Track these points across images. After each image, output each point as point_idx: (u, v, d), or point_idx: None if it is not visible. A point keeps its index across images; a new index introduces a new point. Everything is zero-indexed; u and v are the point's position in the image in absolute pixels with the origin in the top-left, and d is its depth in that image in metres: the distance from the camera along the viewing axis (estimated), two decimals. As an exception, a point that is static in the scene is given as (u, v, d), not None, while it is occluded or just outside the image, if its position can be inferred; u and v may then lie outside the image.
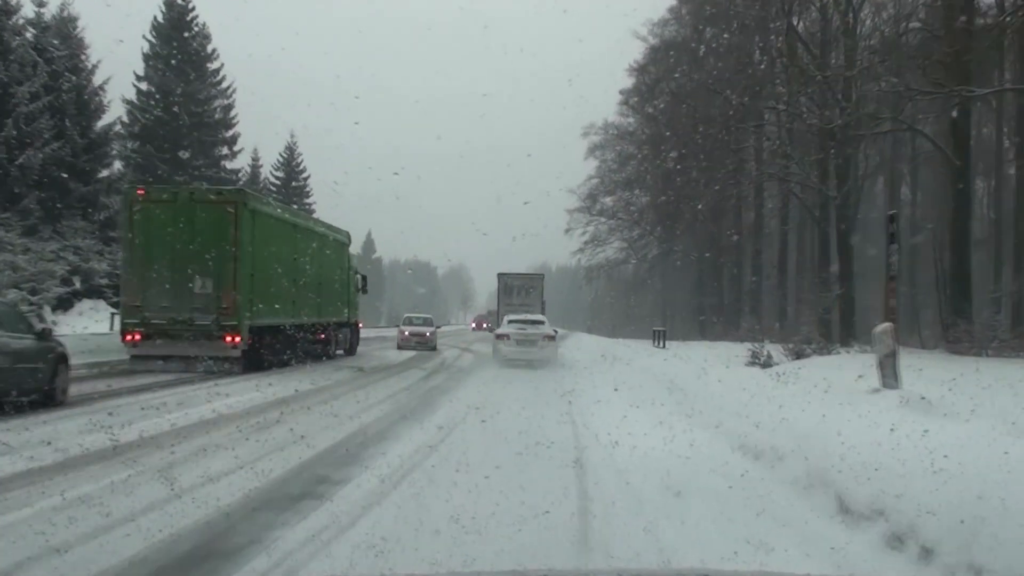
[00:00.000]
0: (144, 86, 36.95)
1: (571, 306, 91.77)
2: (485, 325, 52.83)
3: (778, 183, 33.30)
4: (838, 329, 29.64)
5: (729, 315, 42.56)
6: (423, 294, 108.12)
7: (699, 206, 39.51)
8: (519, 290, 34.34)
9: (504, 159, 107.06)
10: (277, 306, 16.63)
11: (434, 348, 28.69)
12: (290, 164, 52.85)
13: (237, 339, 14.75)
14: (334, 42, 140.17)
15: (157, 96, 36.71)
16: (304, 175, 53.09)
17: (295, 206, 55.25)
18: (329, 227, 22.47)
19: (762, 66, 33.00)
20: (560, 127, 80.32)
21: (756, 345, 17.37)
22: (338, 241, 22.68)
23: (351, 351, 23.77)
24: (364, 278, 25.82)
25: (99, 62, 32.01)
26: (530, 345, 19.14)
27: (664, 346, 28.34)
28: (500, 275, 34.59)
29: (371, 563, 4.14)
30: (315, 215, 55.62)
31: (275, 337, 16.66)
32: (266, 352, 16.14)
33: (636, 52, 46.71)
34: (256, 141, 53.77)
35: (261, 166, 52.13)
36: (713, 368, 14.09)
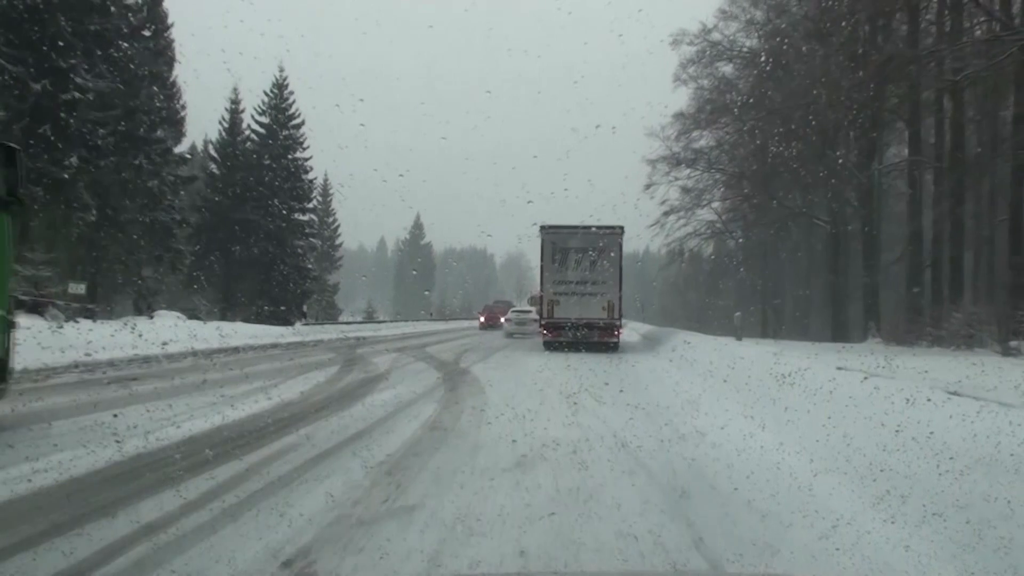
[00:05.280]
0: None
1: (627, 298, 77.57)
2: (503, 319, 34.95)
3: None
4: None
5: (891, 303, 28.34)
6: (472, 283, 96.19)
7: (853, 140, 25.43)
8: (580, 256, 20.10)
9: (509, 160, 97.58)
10: None
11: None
12: (278, 107, 40.35)
13: None
14: (339, 45, 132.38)
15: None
16: (297, 121, 40.49)
17: (283, 162, 42.28)
18: None
19: None
20: (565, 128, 72.95)
21: None
22: None
23: None
24: (13, 153, 6.59)
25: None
26: (522, 325, 29.28)
27: None
28: (544, 229, 20.53)
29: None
30: (312, 177, 41.73)
31: None
32: None
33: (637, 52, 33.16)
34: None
35: (243, 111, 40.09)
36: None
